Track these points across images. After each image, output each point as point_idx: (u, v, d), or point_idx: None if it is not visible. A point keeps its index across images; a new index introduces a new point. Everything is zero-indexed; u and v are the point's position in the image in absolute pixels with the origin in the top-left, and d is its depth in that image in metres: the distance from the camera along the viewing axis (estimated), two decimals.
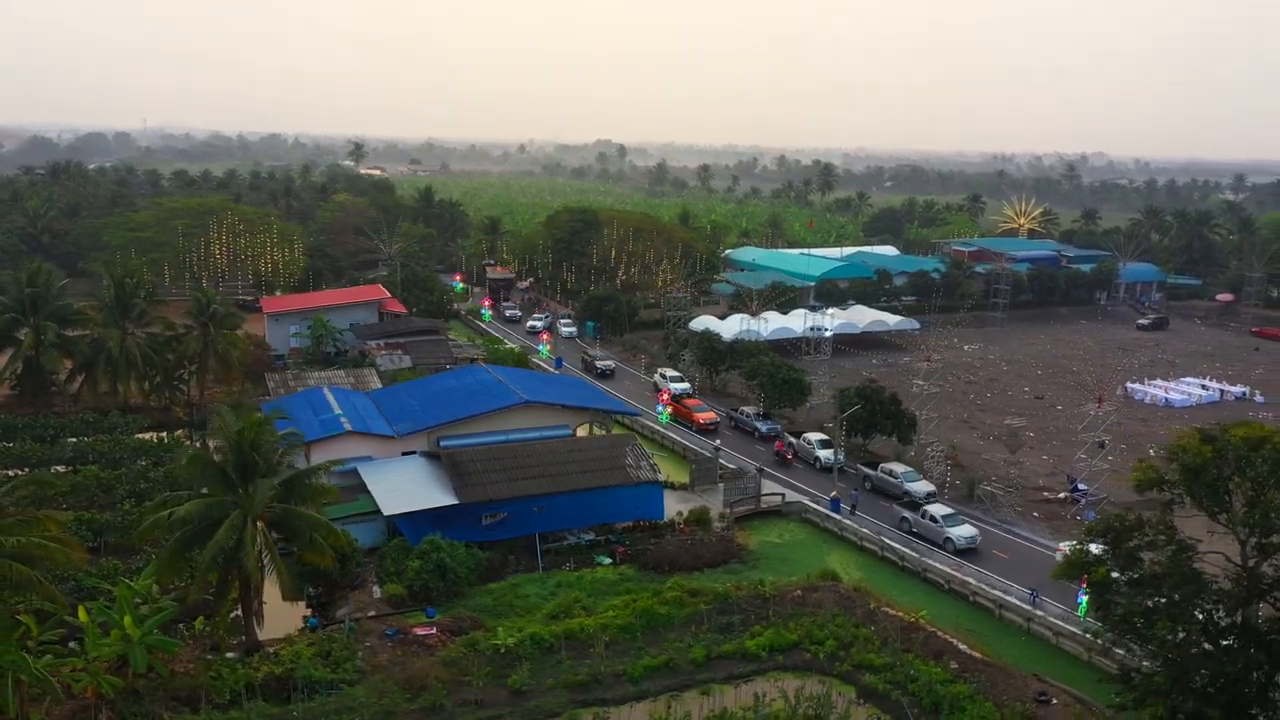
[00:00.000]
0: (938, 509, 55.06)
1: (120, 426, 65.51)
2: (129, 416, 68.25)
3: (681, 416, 74.15)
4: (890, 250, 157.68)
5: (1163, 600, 29.40)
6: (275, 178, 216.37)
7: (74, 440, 62.83)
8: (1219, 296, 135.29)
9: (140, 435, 65.82)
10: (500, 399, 59.79)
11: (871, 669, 40.25)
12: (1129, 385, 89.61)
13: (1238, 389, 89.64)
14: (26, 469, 57.34)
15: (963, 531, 53.59)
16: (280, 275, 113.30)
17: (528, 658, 40.19)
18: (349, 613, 43.92)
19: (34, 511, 37.01)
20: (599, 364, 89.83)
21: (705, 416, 73.75)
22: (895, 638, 41.80)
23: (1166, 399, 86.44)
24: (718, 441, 68.70)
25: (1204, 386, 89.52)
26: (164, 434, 66.91)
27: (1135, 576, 29.86)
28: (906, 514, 55.99)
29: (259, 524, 38.89)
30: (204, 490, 39.70)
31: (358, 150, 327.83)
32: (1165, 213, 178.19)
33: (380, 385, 71.29)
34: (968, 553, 52.67)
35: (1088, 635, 39.95)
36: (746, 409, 73.99)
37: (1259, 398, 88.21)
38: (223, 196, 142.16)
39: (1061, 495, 61.74)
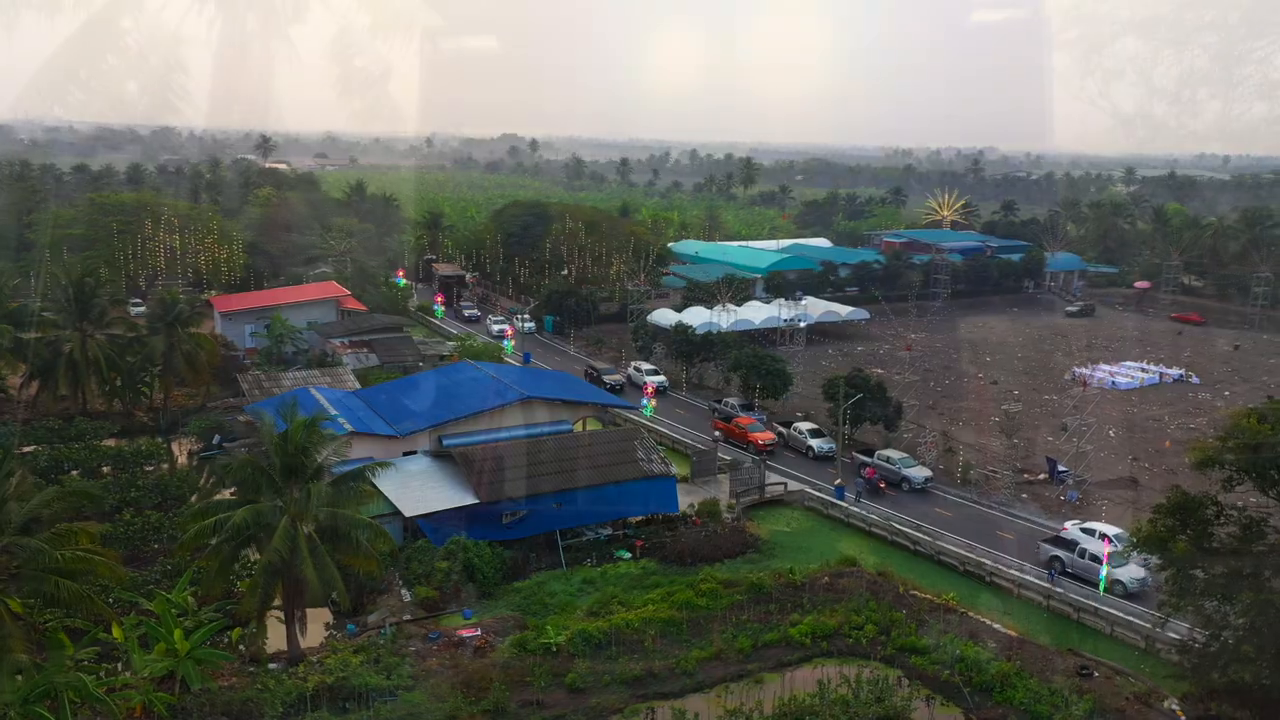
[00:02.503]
0: (1097, 547, 47.80)
1: (89, 433, 62.32)
2: (95, 422, 65.01)
3: (735, 438, 67.66)
4: (824, 242, 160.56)
5: (1234, 572, 30.87)
6: (184, 172, 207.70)
7: (44, 448, 59.48)
8: (1136, 284, 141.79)
9: (107, 442, 62.83)
10: (500, 395, 58.91)
11: (916, 651, 41.04)
12: (1076, 370, 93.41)
13: (1175, 372, 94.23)
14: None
15: (1132, 573, 46.79)
16: (221, 274, 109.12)
17: (580, 655, 39.87)
18: (384, 617, 42.81)
19: (69, 525, 35.27)
20: (606, 378, 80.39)
21: (763, 437, 66.53)
22: (937, 621, 42.80)
23: (1113, 382, 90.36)
24: (718, 434, 68.79)
25: (1143, 370, 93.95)
26: (131, 440, 63.87)
27: (1207, 549, 31.28)
28: (1059, 553, 48.91)
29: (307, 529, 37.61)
30: (246, 496, 38.14)
31: (265, 144, 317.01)
32: (1081, 204, 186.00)
33: (357, 385, 69.44)
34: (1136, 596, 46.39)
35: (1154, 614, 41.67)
36: (730, 400, 74.40)
37: (1194, 379, 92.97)
38: (149, 192, 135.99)
39: (1041, 477, 63.92)
